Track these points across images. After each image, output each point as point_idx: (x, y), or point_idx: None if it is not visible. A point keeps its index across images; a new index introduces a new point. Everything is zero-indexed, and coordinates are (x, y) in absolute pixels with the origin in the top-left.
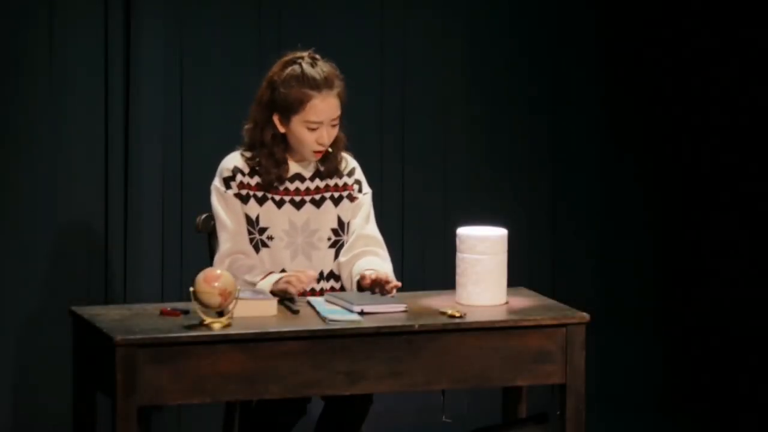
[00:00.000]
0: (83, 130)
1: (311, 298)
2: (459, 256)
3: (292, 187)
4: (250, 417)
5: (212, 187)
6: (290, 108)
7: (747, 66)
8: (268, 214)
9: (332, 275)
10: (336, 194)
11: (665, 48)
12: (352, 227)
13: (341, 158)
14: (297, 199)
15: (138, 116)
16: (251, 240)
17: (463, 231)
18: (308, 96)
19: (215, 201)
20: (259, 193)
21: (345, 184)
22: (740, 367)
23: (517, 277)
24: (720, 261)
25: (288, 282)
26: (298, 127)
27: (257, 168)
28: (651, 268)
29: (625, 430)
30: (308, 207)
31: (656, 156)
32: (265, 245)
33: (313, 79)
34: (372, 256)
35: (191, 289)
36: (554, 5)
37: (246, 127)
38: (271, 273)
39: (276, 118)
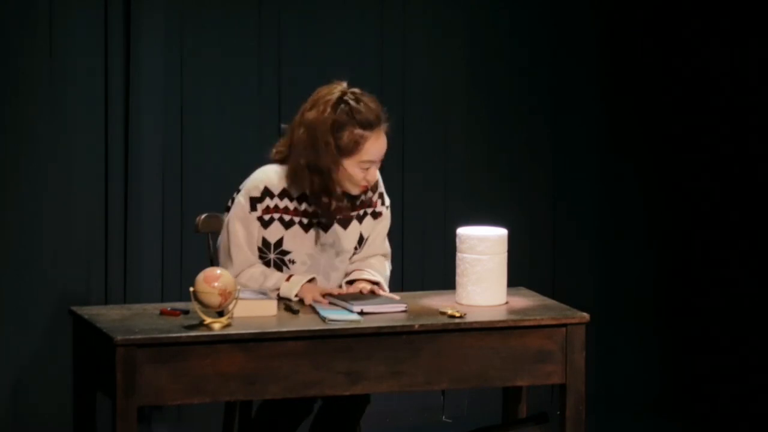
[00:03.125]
0: (83, 131)
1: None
2: (459, 256)
3: (320, 209)
4: (257, 417)
5: (236, 201)
6: (344, 151)
7: (748, 69)
8: (293, 238)
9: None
10: (362, 212)
11: (666, 50)
12: (369, 242)
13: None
14: (324, 220)
15: (138, 116)
16: (264, 259)
17: (463, 231)
18: (366, 137)
19: (235, 216)
20: (287, 217)
21: (370, 200)
22: (740, 368)
23: (517, 277)
24: (720, 261)
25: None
26: (350, 165)
27: (291, 194)
28: (651, 269)
29: (625, 430)
30: (335, 228)
31: (656, 156)
32: (283, 265)
33: (366, 118)
34: (373, 259)
35: (191, 289)
36: (555, 7)
37: (282, 149)
38: (292, 276)
39: (328, 159)
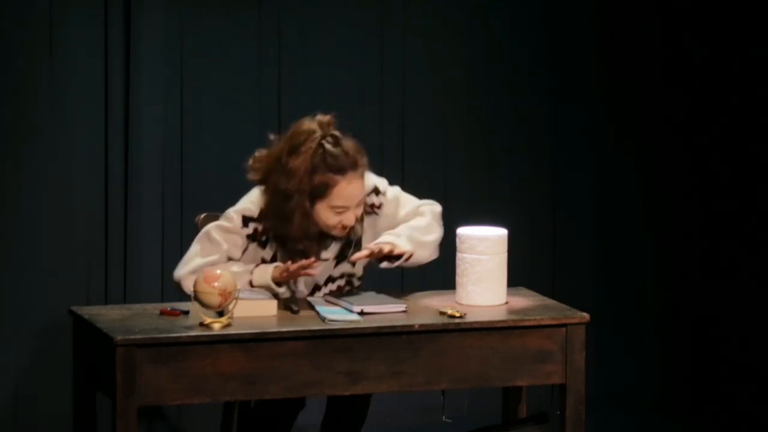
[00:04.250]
0: (83, 131)
1: (311, 299)
2: (459, 256)
3: (324, 254)
4: (251, 416)
5: (226, 215)
6: (316, 193)
7: (749, 66)
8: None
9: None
10: (364, 225)
11: (666, 49)
12: (395, 224)
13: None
14: (330, 260)
15: (138, 116)
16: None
17: (463, 231)
18: (335, 180)
19: (217, 228)
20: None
21: (372, 204)
22: (740, 368)
23: (517, 277)
24: (721, 262)
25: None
26: (323, 211)
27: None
28: (651, 269)
29: (625, 430)
30: (343, 263)
31: (657, 156)
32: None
33: (339, 164)
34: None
35: (191, 289)
36: (555, 7)
37: (260, 166)
38: (260, 264)
39: (300, 200)
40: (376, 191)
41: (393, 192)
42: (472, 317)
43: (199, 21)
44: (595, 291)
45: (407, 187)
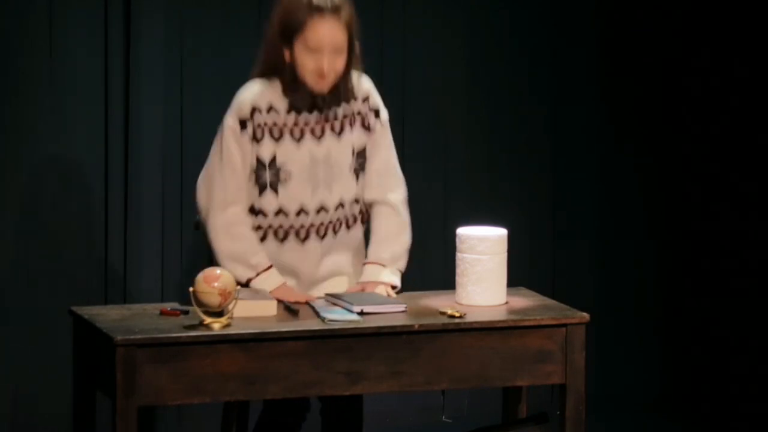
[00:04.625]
0: (83, 130)
1: (312, 300)
2: (459, 255)
3: (312, 118)
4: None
5: (225, 124)
6: (292, 29)
7: (748, 66)
8: (286, 151)
9: (356, 201)
10: (354, 119)
11: (666, 49)
12: (370, 162)
13: (352, 84)
14: (317, 130)
15: (138, 117)
16: (260, 179)
17: (463, 231)
18: (310, 17)
19: (227, 139)
20: (276, 132)
21: (360, 111)
22: (740, 368)
23: (517, 277)
24: (720, 262)
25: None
26: (299, 52)
27: (274, 103)
28: (651, 269)
29: (625, 430)
30: (329, 137)
31: (657, 155)
32: (281, 182)
33: (317, 4)
34: (384, 227)
35: (191, 289)
36: (555, 7)
37: (260, 59)
38: (269, 269)
39: (282, 47)
40: (377, 113)
41: (387, 136)
42: (472, 317)
43: (199, 21)
44: (595, 291)
45: (407, 187)
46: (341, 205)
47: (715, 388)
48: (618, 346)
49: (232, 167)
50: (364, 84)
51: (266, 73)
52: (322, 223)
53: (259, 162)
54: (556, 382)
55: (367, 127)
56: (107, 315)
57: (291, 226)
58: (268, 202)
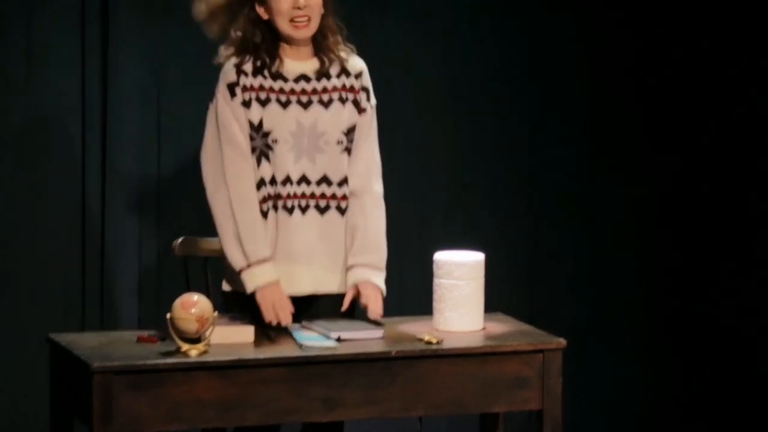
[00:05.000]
0: (59, 158)
1: (289, 325)
2: (436, 281)
3: (297, 87)
4: None
5: (216, 97)
6: None
7: (735, 91)
8: (272, 116)
9: (345, 181)
10: (344, 95)
11: (651, 71)
12: (359, 148)
13: (342, 50)
14: (304, 99)
15: (116, 145)
16: (254, 149)
17: (440, 256)
18: None
19: (221, 110)
20: (263, 95)
21: (352, 87)
22: (720, 397)
23: (494, 303)
24: (701, 290)
25: (266, 309)
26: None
27: (258, 66)
28: (630, 295)
29: None
30: (316, 107)
31: (637, 180)
32: (269, 149)
33: None
34: (373, 224)
35: (168, 315)
36: (536, 23)
37: (231, 36)
38: (263, 262)
39: (256, 6)
40: (368, 95)
41: (375, 123)
42: (449, 343)
43: (177, 50)
44: (572, 317)
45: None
46: (326, 181)
47: (694, 416)
48: (596, 373)
49: (229, 139)
50: (357, 61)
51: (243, 51)
52: (303, 194)
53: (250, 124)
54: (533, 408)
55: (357, 105)
56: (84, 342)
57: (278, 195)
58: (261, 169)
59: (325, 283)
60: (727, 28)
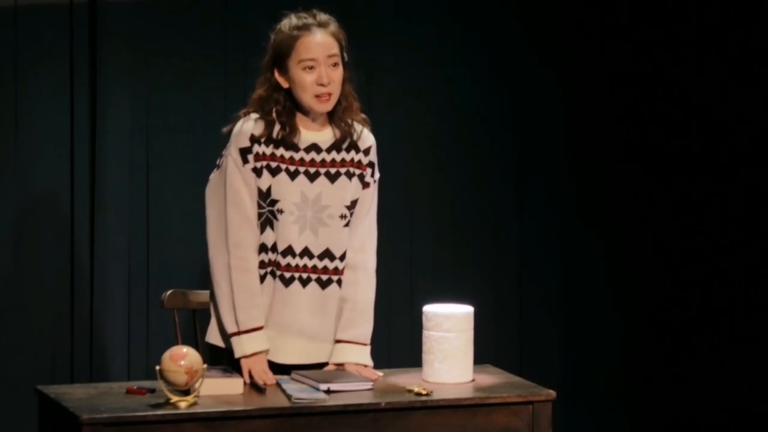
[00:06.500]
0: (47, 203)
1: (279, 378)
2: (425, 333)
3: (307, 157)
4: None
5: (227, 158)
6: (285, 52)
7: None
8: (280, 185)
9: (345, 255)
10: (352, 170)
11: (633, 118)
12: (359, 221)
13: (356, 128)
14: (312, 170)
15: (103, 189)
16: (260, 215)
17: (429, 308)
18: (298, 35)
19: (231, 172)
20: (273, 164)
21: (360, 162)
22: None
23: (483, 355)
24: (690, 338)
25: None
26: (295, 71)
27: (272, 135)
28: (619, 345)
29: None
30: (322, 180)
31: (623, 235)
32: (275, 218)
33: (304, 21)
34: (363, 300)
35: (157, 367)
36: (520, 77)
37: (253, 96)
38: (253, 331)
39: (276, 74)
40: (373, 171)
41: (376, 197)
42: (438, 395)
43: (164, 87)
44: (561, 368)
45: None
46: (328, 255)
47: None
48: (585, 423)
49: (236, 204)
50: (369, 137)
51: (260, 111)
52: (305, 267)
53: (260, 192)
54: None
55: (362, 180)
56: (73, 393)
57: (278, 263)
58: (264, 236)
59: (315, 355)
60: (707, 67)
